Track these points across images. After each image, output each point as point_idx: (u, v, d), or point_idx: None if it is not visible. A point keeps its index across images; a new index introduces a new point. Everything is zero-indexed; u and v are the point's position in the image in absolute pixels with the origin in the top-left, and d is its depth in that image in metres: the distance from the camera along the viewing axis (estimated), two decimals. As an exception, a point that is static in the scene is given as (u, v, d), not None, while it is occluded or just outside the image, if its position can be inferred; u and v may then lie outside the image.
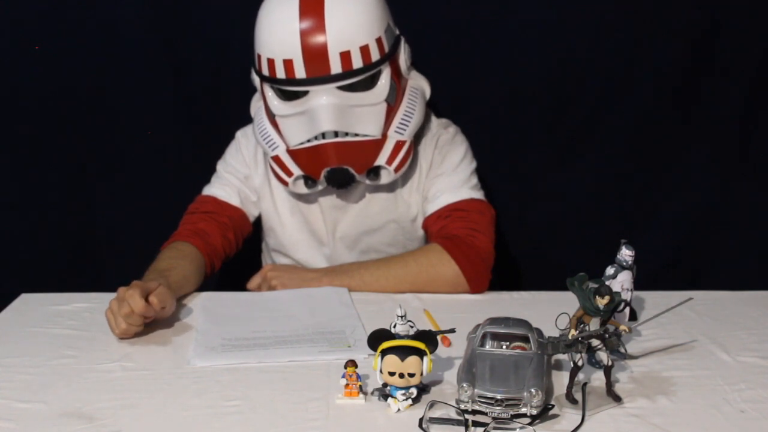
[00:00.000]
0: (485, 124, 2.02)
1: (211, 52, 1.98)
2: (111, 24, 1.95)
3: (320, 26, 1.46)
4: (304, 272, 1.62)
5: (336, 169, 1.53)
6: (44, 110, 2.02)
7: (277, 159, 1.58)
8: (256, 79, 1.60)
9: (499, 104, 2.03)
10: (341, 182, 1.55)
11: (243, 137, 1.71)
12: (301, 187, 1.59)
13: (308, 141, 1.53)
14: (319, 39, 1.46)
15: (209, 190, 1.69)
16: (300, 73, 1.48)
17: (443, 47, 1.98)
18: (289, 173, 1.57)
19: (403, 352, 1.04)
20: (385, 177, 1.58)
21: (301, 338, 1.29)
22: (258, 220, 1.73)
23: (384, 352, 1.04)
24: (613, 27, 1.98)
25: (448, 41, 1.99)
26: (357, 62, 1.49)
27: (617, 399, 1.07)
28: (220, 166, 1.71)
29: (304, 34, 1.46)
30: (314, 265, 1.70)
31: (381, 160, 1.56)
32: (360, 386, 1.08)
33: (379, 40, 1.52)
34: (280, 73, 1.50)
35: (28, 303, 1.49)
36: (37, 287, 1.55)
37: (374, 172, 1.57)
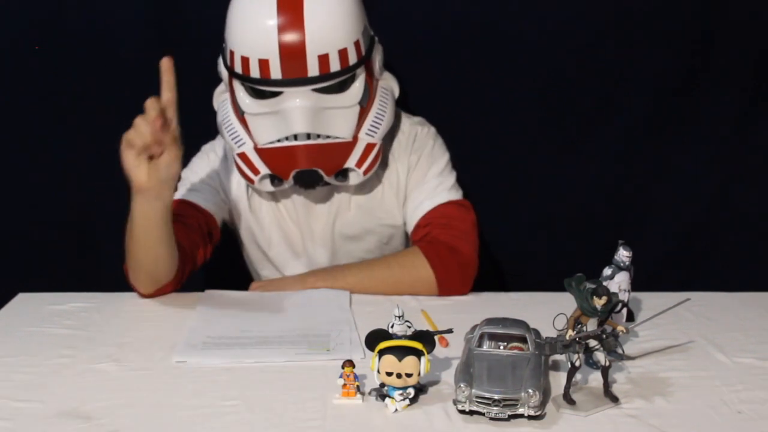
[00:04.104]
0: (482, 125, 2.02)
1: (211, 51, 1.97)
2: (111, 24, 1.95)
3: (299, 27, 1.44)
4: (285, 281, 1.61)
5: (305, 170, 1.52)
6: (43, 109, 2.01)
7: (243, 156, 1.55)
8: (224, 72, 1.58)
9: (496, 105, 2.03)
10: (309, 183, 1.54)
11: (212, 151, 1.69)
12: (267, 186, 1.57)
13: (278, 141, 1.52)
14: (297, 40, 1.44)
15: (177, 196, 1.61)
16: (276, 73, 1.46)
17: (440, 46, 1.98)
18: (256, 171, 1.55)
19: (400, 352, 1.04)
20: (354, 179, 1.57)
21: (283, 339, 1.28)
22: (231, 231, 1.72)
23: (381, 352, 1.04)
24: (611, 28, 1.98)
25: (444, 40, 1.98)
26: (335, 65, 1.48)
27: (614, 400, 1.07)
28: (186, 174, 1.66)
29: (282, 35, 1.44)
30: (294, 271, 1.69)
31: (351, 162, 1.55)
32: (357, 386, 1.08)
33: (357, 44, 1.51)
34: (255, 73, 1.48)
35: (25, 302, 1.49)
36: (34, 287, 1.54)
37: (342, 173, 1.56)
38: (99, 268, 2.10)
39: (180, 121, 2.03)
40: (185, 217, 1.58)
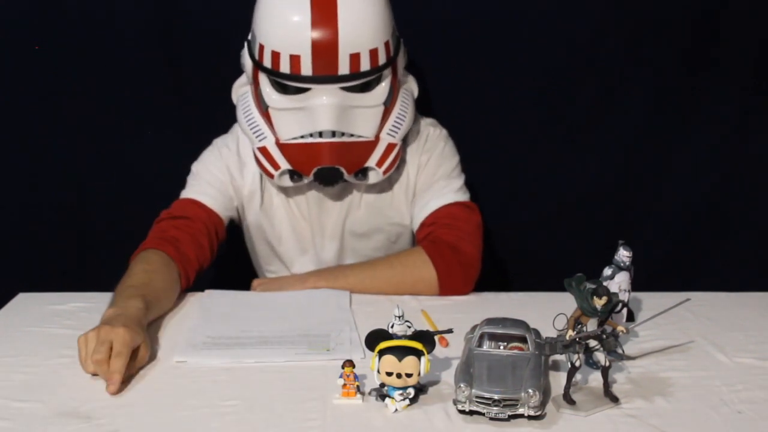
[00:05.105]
0: (482, 123, 2.02)
1: (211, 50, 1.97)
2: (111, 24, 1.95)
3: (332, 25, 1.44)
4: (286, 280, 1.61)
5: (327, 167, 1.52)
6: (43, 109, 2.01)
7: (264, 150, 1.56)
8: (248, 65, 1.57)
9: (496, 103, 2.03)
10: (329, 180, 1.55)
11: (224, 147, 1.67)
12: (286, 181, 1.58)
13: (302, 137, 1.52)
14: (330, 38, 1.44)
15: (185, 194, 1.64)
16: (306, 70, 1.47)
17: (441, 45, 1.98)
18: (276, 166, 1.55)
19: (400, 352, 1.04)
20: (373, 177, 1.58)
21: (284, 339, 1.28)
22: (234, 227, 1.72)
23: (381, 353, 1.04)
24: (610, 27, 1.98)
25: (446, 39, 1.98)
26: (365, 65, 1.49)
27: (614, 400, 1.07)
28: (196, 167, 1.66)
29: (315, 31, 1.44)
30: (302, 268, 1.69)
31: (372, 161, 1.55)
32: (357, 386, 1.08)
33: (386, 44, 1.52)
34: (285, 68, 1.48)
35: (25, 302, 1.49)
36: (34, 287, 1.54)
37: (362, 172, 1.57)
38: (99, 268, 2.09)
39: (182, 119, 2.04)
40: (191, 219, 1.59)
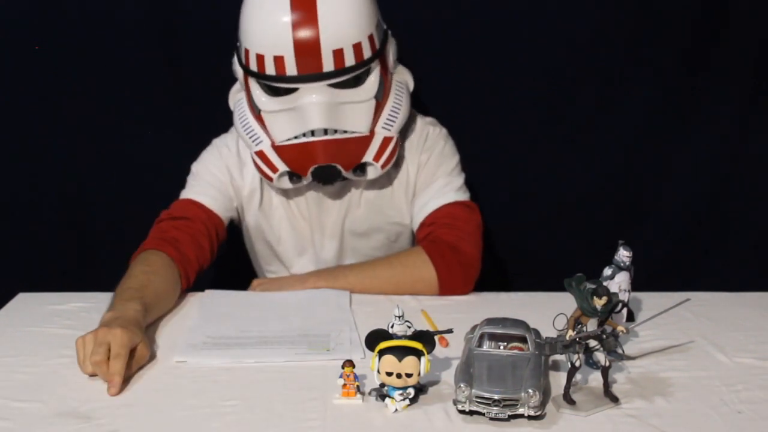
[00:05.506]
0: (482, 124, 2.02)
1: (211, 50, 1.97)
2: (111, 24, 1.96)
3: (313, 23, 1.45)
4: (286, 280, 1.61)
5: (323, 165, 1.52)
6: (43, 109, 2.01)
7: (261, 154, 1.56)
8: (239, 71, 1.58)
9: (496, 104, 2.03)
10: (327, 178, 1.55)
11: (224, 146, 1.67)
12: (286, 183, 1.58)
13: (295, 137, 1.52)
14: (312, 36, 1.45)
15: (185, 195, 1.64)
16: (291, 70, 1.47)
17: (441, 45, 1.99)
18: (274, 169, 1.55)
19: (400, 352, 1.04)
20: (372, 173, 1.58)
21: (283, 339, 1.28)
22: (234, 227, 1.72)
23: (381, 353, 1.04)
24: (610, 28, 1.98)
25: (446, 39, 1.99)
26: (349, 60, 1.48)
27: (614, 400, 1.07)
28: (196, 168, 1.67)
29: (296, 31, 1.45)
30: (301, 267, 1.69)
31: (368, 156, 1.55)
32: (357, 386, 1.08)
33: (371, 38, 1.51)
34: (270, 70, 1.48)
35: (25, 302, 1.49)
36: (34, 287, 1.54)
37: (360, 168, 1.57)
38: (99, 268, 2.10)
39: (182, 119, 2.05)
40: (191, 219, 1.58)
